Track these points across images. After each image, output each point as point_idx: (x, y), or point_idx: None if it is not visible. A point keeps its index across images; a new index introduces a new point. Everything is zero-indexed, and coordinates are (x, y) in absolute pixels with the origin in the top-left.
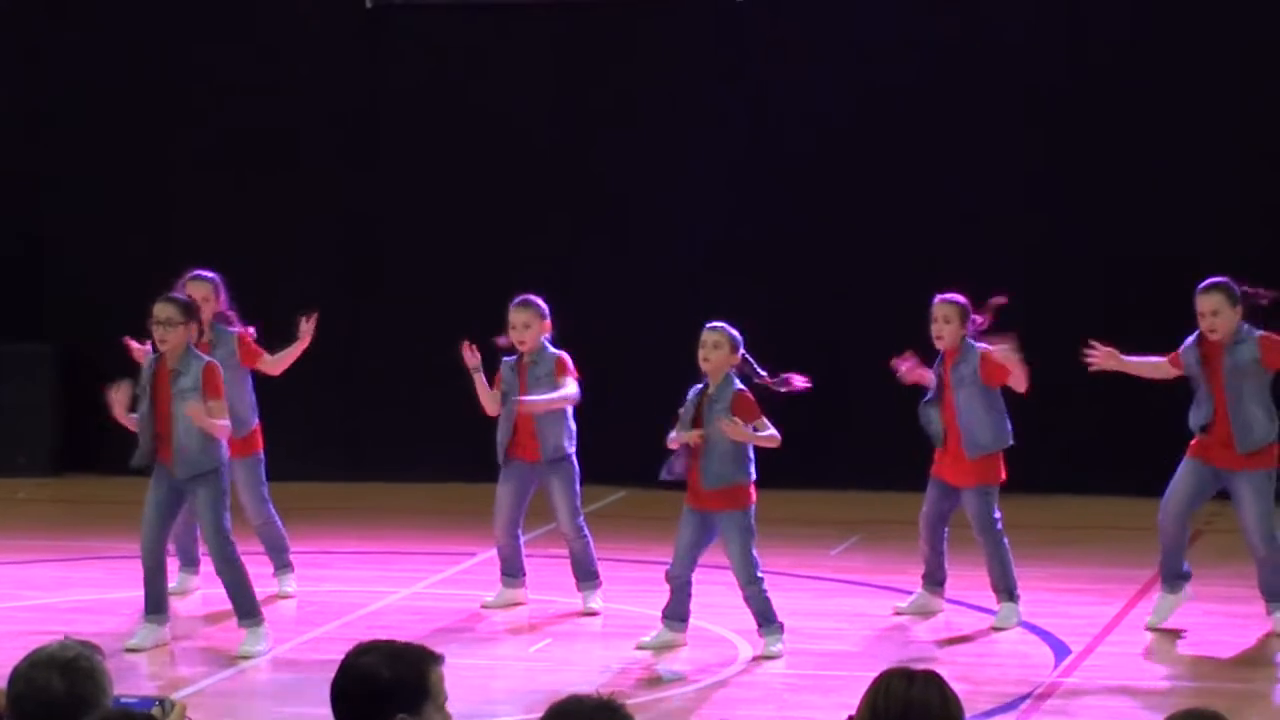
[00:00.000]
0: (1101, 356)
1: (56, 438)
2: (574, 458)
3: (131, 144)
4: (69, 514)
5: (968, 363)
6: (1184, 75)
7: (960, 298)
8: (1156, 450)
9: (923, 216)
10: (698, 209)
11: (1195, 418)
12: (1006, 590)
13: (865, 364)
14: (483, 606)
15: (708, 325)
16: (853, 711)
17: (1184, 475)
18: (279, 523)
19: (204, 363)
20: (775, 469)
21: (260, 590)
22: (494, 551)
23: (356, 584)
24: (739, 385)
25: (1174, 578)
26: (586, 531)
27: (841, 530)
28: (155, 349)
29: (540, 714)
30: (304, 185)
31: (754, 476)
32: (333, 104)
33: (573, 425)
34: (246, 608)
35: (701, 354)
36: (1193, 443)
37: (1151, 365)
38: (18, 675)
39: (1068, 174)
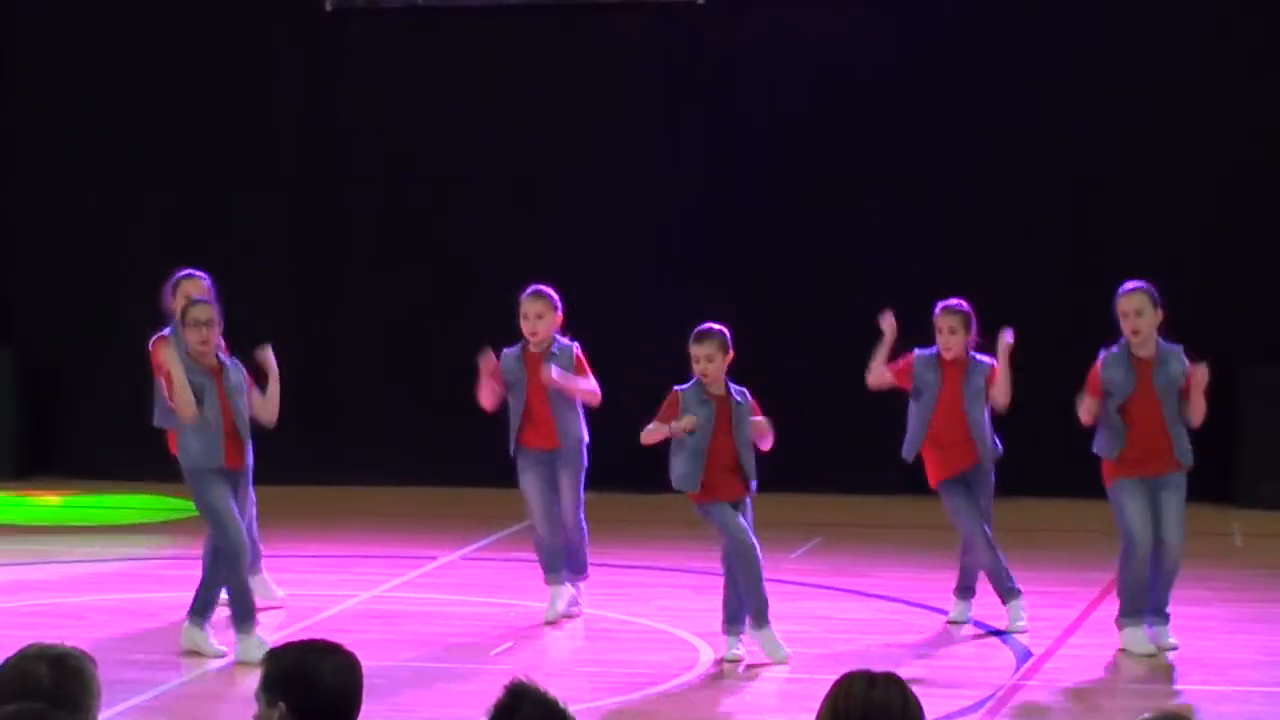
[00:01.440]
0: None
1: (19, 442)
2: (587, 451)
3: (93, 148)
4: (31, 518)
5: (980, 374)
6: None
7: (965, 305)
8: None
9: (891, 218)
10: (663, 210)
11: (1111, 441)
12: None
13: (827, 367)
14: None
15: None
16: (813, 714)
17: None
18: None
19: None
20: None
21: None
22: (456, 555)
23: (319, 588)
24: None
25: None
26: (585, 526)
27: (803, 533)
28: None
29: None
30: (265, 188)
31: None
32: (293, 107)
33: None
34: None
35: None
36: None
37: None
38: (7, 664)
39: (1042, 173)
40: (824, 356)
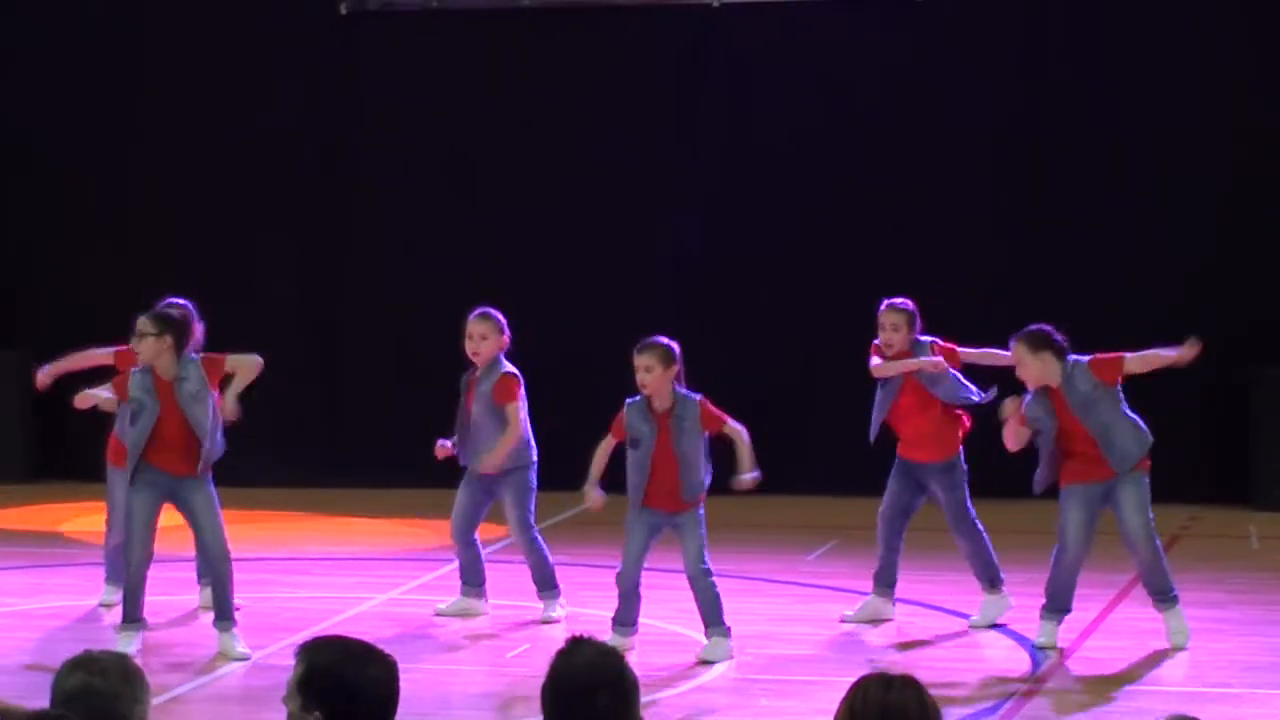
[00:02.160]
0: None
1: (29, 444)
2: (532, 469)
3: (102, 151)
4: (42, 521)
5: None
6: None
7: (909, 303)
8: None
9: (903, 222)
10: (677, 215)
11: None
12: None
13: (841, 369)
14: (436, 613)
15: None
16: (830, 717)
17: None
18: None
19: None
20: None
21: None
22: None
23: (333, 590)
24: (697, 395)
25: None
26: (539, 542)
27: (819, 535)
28: None
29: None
30: (279, 191)
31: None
32: (308, 109)
33: (529, 436)
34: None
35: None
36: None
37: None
38: (64, 669)
39: (1053, 176)
40: (838, 358)
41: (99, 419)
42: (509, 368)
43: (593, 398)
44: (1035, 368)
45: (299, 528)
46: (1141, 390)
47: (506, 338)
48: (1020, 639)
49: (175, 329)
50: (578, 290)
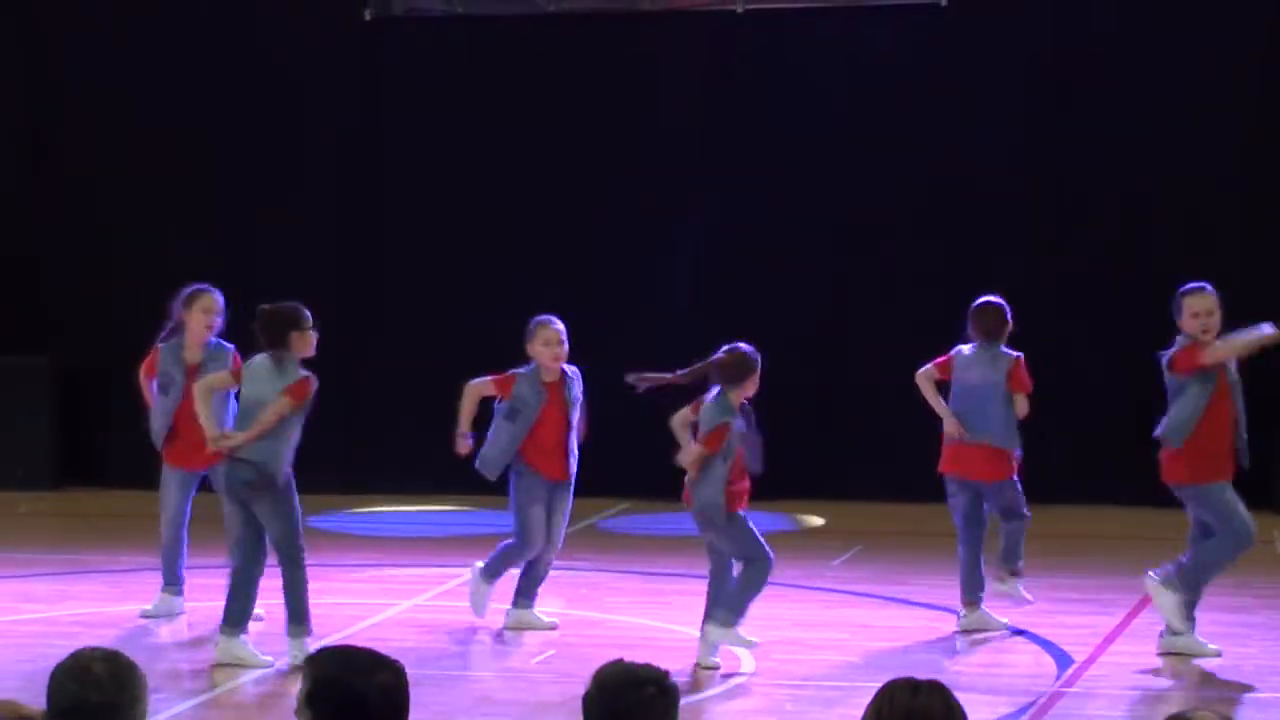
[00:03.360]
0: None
1: (55, 451)
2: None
3: (127, 157)
4: (68, 527)
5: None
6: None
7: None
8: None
9: (926, 227)
10: (697, 219)
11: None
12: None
13: (869, 376)
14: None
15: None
16: None
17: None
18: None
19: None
20: (779, 481)
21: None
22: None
23: (361, 596)
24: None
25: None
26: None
27: (843, 541)
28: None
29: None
30: (303, 197)
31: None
32: (332, 116)
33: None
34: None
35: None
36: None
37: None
38: (62, 666)
39: (1078, 180)
40: (860, 365)
41: (123, 426)
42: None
43: (617, 407)
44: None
45: (323, 535)
46: (1159, 395)
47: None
48: (1046, 644)
49: None
50: (601, 296)
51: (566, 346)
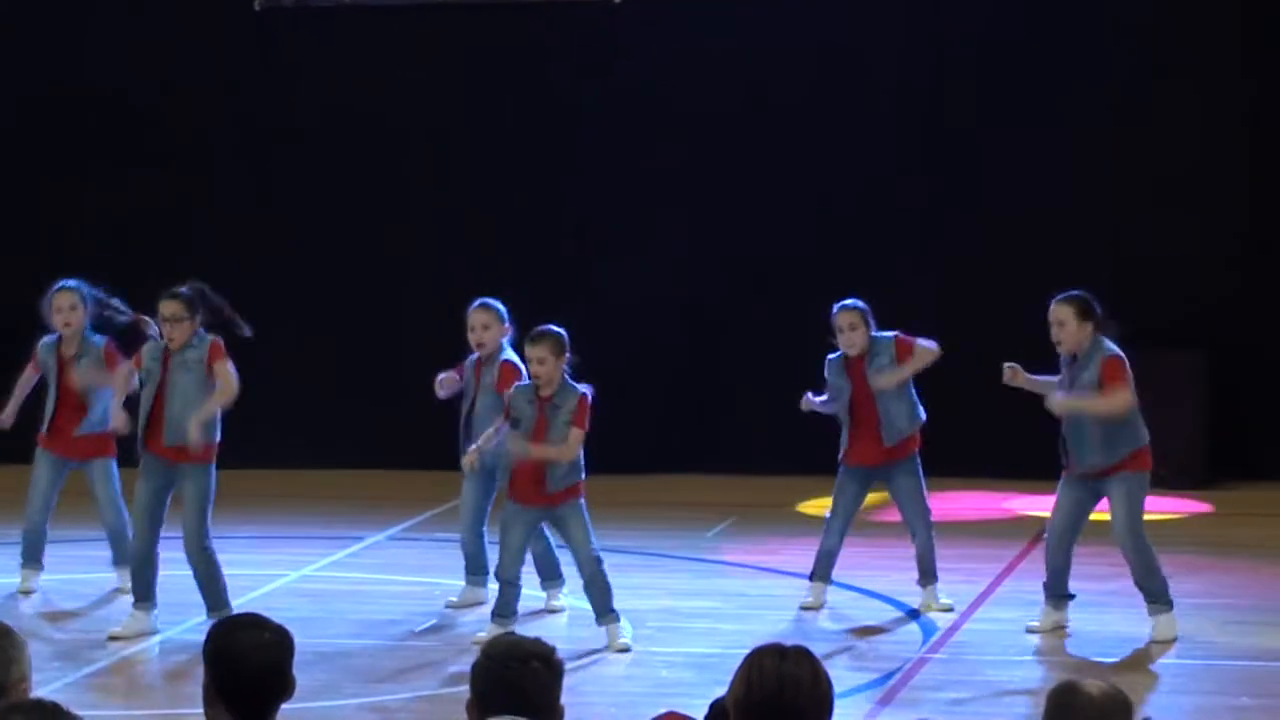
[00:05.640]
0: (1010, 373)
1: None
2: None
3: (25, 145)
4: None
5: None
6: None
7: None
8: (1032, 438)
9: (810, 214)
10: (601, 213)
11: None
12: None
13: (746, 355)
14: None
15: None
16: (725, 688)
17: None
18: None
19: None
20: (657, 454)
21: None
22: (382, 536)
23: (251, 567)
24: (581, 389)
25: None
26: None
27: (717, 513)
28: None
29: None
30: (196, 186)
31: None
32: (222, 107)
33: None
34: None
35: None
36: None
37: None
38: None
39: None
40: (748, 346)
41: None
42: (510, 356)
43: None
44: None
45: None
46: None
47: (508, 327)
48: (911, 612)
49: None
50: (493, 278)
51: (490, 331)
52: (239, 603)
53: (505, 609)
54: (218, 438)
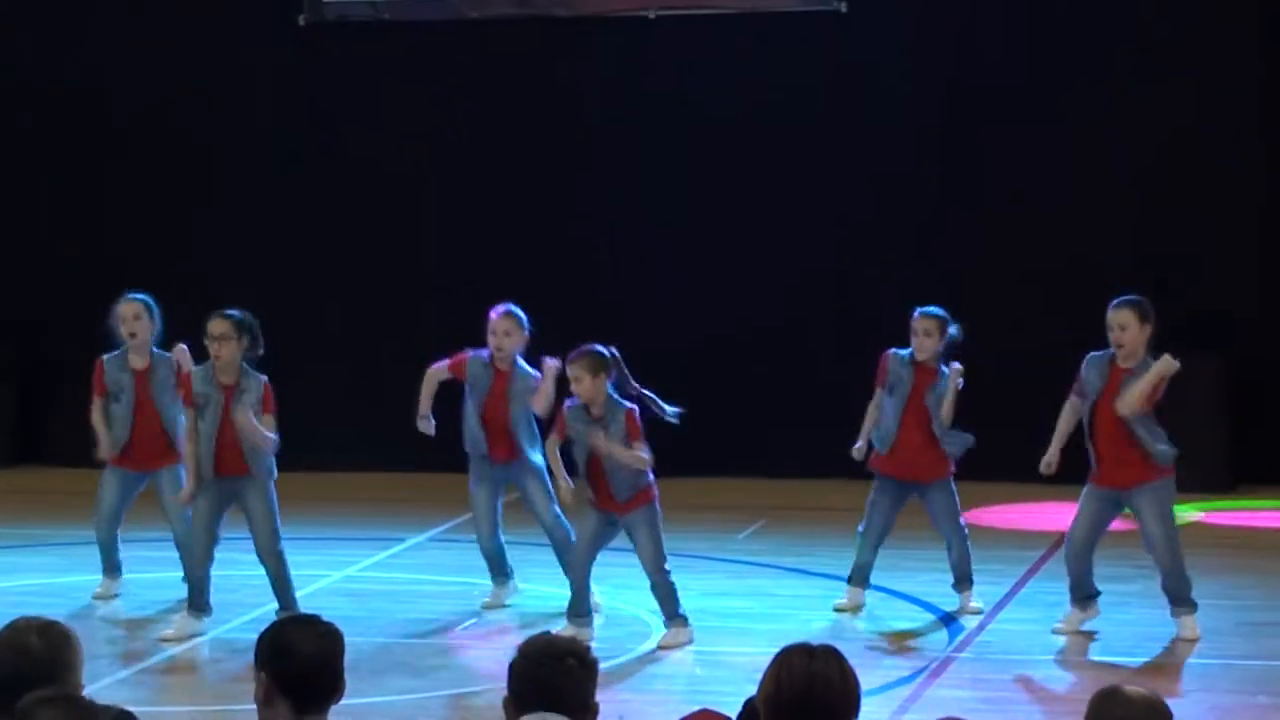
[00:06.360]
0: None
1: (10, 432)
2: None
3: (67, 158)
4: (21, 504)
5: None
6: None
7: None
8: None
9: (830, 225)
10: (632, 216)
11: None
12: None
13: (774, 360)
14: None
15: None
16: (756, 687)
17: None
18: None
19: (262, 380)
20: (687, 458)
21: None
22: (423, 537)
23: (294, 568)
24: (627, 405)
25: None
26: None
27: (749, 515)
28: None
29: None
30: (238, 201)
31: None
32: (266, 121)
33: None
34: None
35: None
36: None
37: (1068, 423)
38: None
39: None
40: (771, 353)
41: (79, 409)
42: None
43: None
44: (1141, 338)
45: None
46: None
47: (527, 334)
48: (937, 612)
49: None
50: (532, 290)
51: (512, 338)
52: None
53: (579, 608)
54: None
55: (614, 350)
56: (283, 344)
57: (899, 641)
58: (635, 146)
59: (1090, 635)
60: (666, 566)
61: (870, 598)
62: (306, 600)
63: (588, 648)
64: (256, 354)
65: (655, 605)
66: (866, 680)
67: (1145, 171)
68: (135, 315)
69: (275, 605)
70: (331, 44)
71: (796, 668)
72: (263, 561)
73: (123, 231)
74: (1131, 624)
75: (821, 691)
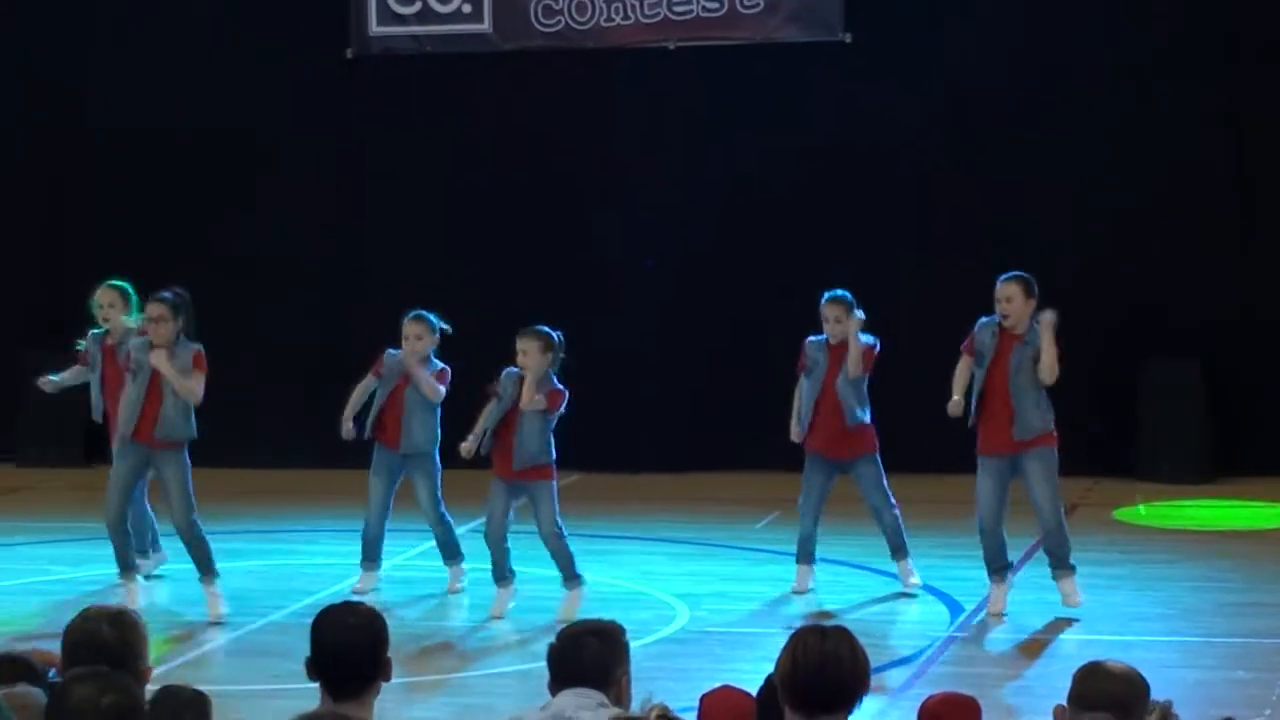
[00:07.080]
0: (954, 408)
1: (84, 432)
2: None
3: (120, 184)
4: (93, 500)
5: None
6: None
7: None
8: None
9: (838, 234)
10: (654, 231)
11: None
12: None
13: (782, 357)
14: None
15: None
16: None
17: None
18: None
19: (194, 348)
20: (704, 452)
21: None
22: (463, 529)
23: (345, 558)
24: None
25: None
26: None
27: (764, 506)
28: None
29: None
30: (284, 229)
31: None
32: (314, 152)
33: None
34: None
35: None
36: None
37: (964, 376)
38: (72, 627)
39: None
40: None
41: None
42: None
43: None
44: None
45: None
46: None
47: (437, 337)
48: (939, 594)
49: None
50: (567, 313)
51: (423, 340)
52: (334, 590)
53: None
54: (193, 433)
55: (561, 336)
56: (328, 363)
57: (905, 622)
58: (660, 166)
59: (1080, 616)
60: (561, 532)
61: (875, 581)
62: (334, 597)
63: (613, 626)
64: (190, 331)
65: (684, 588)
66: (876, 658)
67: (1144, 202)
68: (104, 304)
69: (330, 590)
70: (376, 75)
71: (810, 647)
72: (177, 532)
73: (177, 257)
74: (1120, 604)
75: (834, 669)
